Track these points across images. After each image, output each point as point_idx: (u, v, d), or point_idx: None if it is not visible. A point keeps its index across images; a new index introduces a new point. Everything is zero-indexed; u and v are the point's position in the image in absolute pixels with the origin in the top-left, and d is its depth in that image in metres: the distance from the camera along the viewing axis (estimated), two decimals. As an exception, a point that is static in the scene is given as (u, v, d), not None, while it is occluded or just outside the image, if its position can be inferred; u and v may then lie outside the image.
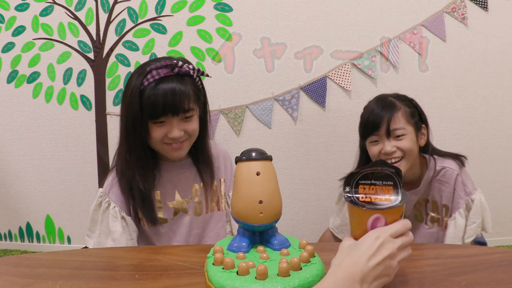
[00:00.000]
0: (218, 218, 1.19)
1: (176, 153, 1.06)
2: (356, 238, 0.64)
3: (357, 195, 0.64)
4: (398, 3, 1.91)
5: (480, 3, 1.92)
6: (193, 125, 1.05)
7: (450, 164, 1.24)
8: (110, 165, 1.18)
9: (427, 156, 1.27)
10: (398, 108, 1.20)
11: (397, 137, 1.18)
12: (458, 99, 2.00)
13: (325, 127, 1.99)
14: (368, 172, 0.64)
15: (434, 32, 1.93)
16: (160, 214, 1.09)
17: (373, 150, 1.22)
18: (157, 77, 0.99)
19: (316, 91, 1.94)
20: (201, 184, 1.15)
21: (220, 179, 1.20)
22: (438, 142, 2.03)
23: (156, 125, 1.01)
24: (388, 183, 0.63)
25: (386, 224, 0.62)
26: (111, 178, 1.07)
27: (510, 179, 2.10)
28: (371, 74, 1.93)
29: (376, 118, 1.19)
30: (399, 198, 0.62)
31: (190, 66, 1.04)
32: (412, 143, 1.20)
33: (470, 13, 1.93)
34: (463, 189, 1.22)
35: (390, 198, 0.62)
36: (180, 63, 1.01)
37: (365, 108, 1.27)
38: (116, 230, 1.02)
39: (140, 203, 1.05)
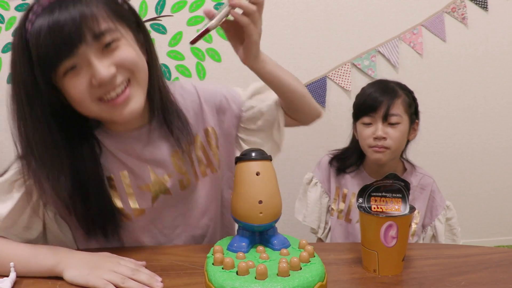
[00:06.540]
0: (213, 184, 0.91)
1: (126, 109, 0.72)
2: (368, 245, 0.71)
3: (369, 205, 0.71)
4: (398, 3, 1.91)
5: (480, 3, 1.92)
6: (126, 52, 0.70)
7: (424, 171, 1.27)
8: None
9: (403, 160, 1.28)
10: (399, 95, 1.17)
11: (392, 124, 1.15)
12: (458, 99, 2.00)
13: (325, 127, 1.98)
14: (380, 185, 0.71)
15: (434, 32, 1.93)
16: (134, 204, 0.82)
17: (364, 132, 1.18)
18: (39, 10, 0.66)
19: (316, 91, 1.94)
20: (180, 149, 0.84)
21: (206, 128, 0.90)
22: (438, 142, 2.04)
23: (69, 77, 0.68)
24: (397, 195, 0.71)
25: (397, 231, 0.68)
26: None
27: (510, 179, 2.10)
28: (371, 74, 1.93)
29: (375, 100, 1.15)
30: (407, 208, 0.70)
31: None
32: (403, 136, 1.17)
33: (470, 13, 1.93)
34: (439, 196, 1.25)
35: (399, 209, 0.70)
36: None
37: (364, 89, 1.23)
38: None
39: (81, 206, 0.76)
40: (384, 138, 1.14)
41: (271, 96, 0.96)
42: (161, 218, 0.87)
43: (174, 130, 0.82)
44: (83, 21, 0.65)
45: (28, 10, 0.68)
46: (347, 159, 1.30)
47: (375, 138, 1.15)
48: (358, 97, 1.23)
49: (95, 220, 0.79)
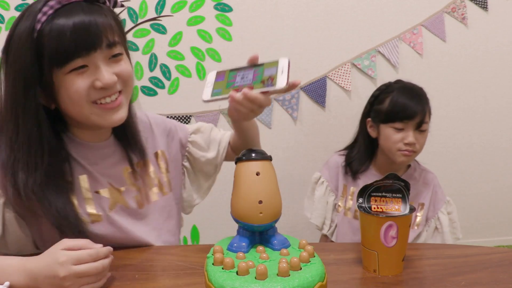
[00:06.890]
0: (164, 206, 0.95)
1: (116, 114, 0.78)
2: (368, 245, 0.72)
3: (369, 206, 0.72)
4: (398, 3, 1.91)
5: (480, 3, 1.92)
6: (127, 66, 0.79)
7: (426, 167, 1.37)
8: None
9: None
10: (427, 103, 1.26)
11: (421, 130, 1.23)
12: (458, 99, 2.00)
13: (325, 127, 1.99)
14: (380, 185, 0.72)
15: (434, 32, 1.93)
16: (91, 209, 0.82)
17: (395, 136, 1.23)
18: (57, 6, 0.71)
19: (316, 91, 1.94)
20: (132, 167, 0.89)
21: (156, 152, 0.95)
22: (438, 142, 2.04)
23: (73, 74, 0.73)
24: (398, 195, 0.71)
25: (397, 231, 0.69)
26: None
27: (510, 179, 2.10)
28: (371, 74, 1.93)
29: (412, 109, 1.21)
30: (407, 208, 0.71)
31: None
32: (426, 139, 1.26)
33: (470, 13, 1.93)
34: (440, 191, 1.34)
35: (399, 209, 0.71)
36: None
37: (389, 93, 1.28)
38: None
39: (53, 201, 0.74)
40: (415, 144, 1.22)
41: (214, 150, 1.04)
42: (128, 234, 0.86)
43: (129, 149, 0.88)
44: (103, 28, 0.73)
45: (43, 4, 0.71)
46: (357, 162, 1.36)
47: (406, 144, 1.22)
48: (386, 102, 1.26)
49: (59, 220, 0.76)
